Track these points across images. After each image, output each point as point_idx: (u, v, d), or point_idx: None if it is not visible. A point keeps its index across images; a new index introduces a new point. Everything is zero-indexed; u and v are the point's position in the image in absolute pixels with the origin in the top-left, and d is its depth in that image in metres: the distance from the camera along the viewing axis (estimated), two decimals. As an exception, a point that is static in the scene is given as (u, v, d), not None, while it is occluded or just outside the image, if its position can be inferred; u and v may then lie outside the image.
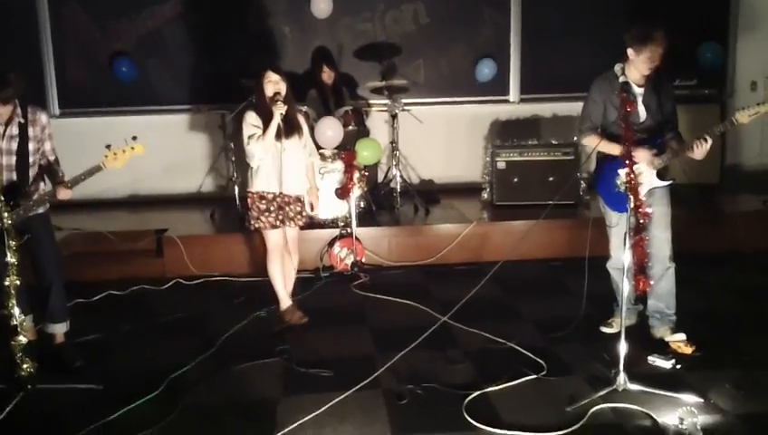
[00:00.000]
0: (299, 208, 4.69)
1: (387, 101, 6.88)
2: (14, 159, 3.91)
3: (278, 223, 4.61)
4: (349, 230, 6.00)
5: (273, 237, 4.68)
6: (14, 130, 3.91)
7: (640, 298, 4.31)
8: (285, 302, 4.82)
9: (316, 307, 5.02)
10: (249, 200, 4.64)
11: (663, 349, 4.09)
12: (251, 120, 4.52)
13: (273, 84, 4.47)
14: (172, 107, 7.75)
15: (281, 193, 4.57)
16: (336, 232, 6.09)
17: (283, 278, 4.79)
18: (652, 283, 3.92)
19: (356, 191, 6.01)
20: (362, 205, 6.31)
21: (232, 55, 7.61)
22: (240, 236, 6.10)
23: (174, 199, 7.72)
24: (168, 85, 7.73)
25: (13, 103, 3.87)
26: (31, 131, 3.96)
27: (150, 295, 5.56)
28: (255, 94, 4.61)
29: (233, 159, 7.03)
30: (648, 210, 3.76)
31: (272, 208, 4.58)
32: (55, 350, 4.21)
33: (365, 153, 6.27)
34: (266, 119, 4.45)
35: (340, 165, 6.10)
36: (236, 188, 6.88)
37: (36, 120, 3.99)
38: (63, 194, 3.90)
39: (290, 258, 4.84)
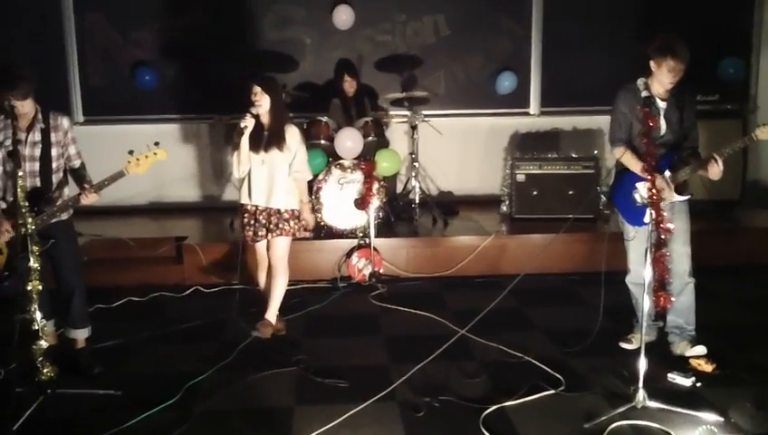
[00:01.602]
0: (277, 221, 4.59)
1: (407, 113, 6.90)
2: (37, 165, 3.95)
3: (258, 237, 4.63)
4: (367, 241, 6.01)
5: (257, 250, 4.79)
6: (37, 136, 3.96)
7: (660, 314, 4.28)
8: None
9: (333, 317, 5.04)
10: (239, 212, 4.74)
11: (683, 366, 4.04)
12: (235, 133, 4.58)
13: (253, 96, 4.51)
14: (192, 115, 7.81)
15: (258, 206, 4.59)
16: (354, 242, 6.10)
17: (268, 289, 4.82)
18: (673, 299, 3.88)
19: (375, 202, 6.02)
20: (381, 216, 6.31)
21: (252, 65, 7.66)
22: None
23: (194, 208, 7.78)
24: (189, 94, 7.79)
25: (32, 100, 3.89)
26: (53, 137, 3.99)
27: (169, 302, 5.60)
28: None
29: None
30: (670, 226, 3.73)
31: (252, 222, 4.62)
32: (76, 355, 4.25)
33: (384, 164, 6.29)
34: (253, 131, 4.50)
35: (359, 175, 6.12)
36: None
37: (58, 125, 4.02)
38: (89, 199, 3.92)
39: (274, 273, 4.73)
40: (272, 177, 4.58)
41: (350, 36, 7.67)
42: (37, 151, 3.96)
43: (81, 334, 4.25)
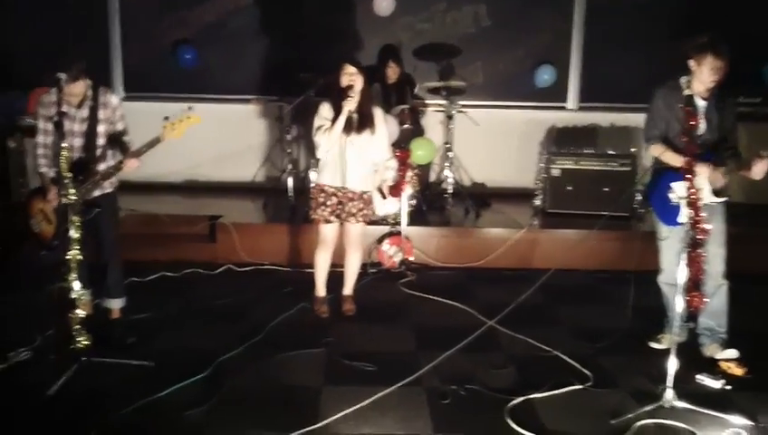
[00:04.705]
0: (361, 205, 4.66)
1: (443, 102, 6.89)
2: (83, 140, 4.05)
3: (332, 218, 4.64)
4: (398, 228, 6.03)
5: (323, 231, 4.73)
6: (85, 112, 4.04)
7: (692, 315, 4.24)
8: (319, 291, 4.93)
9: (362, 302, 5.06)
10: (313, 191, 4.70)
11: (712, 368, 4.02)
12: (323, 111, 4.57)
13: (348, 77, 4.49)
14: (231, 96, 7.86)
15: (343, 188, 4.59)
16: (386, 229, 6.12)
17: (326, 271, 4.86)
18: (706, 300, 3.84)
19: (408, 190, 6.03)
20: (413, 204, 6.32)
21: (292, 48, 7.72)
22: (291, 227, 6.18)
23: (228, 187, 7.86)
24: (228, 74, 7.86)
25: (85, 83, 3.98)
26: (102, 114, 4.08)
27: (202, 279, 5.68)
28: (335, 87, 4.59)
29: (288, 150, 7.12)
30: (707, 226, 3.69)
31: (329, 203, 4.61)
32: (111, 325, 4.36)
33: (419, 152, 6.29)
34: (339, 112, 4.48)
35: (393, 163, 6.11)
36: (290, 180, 6.96)
37: (107, 102, 4.11)
38: (129, 164, 3.99)
39: (351, 254, 4.89)
40: (360, 160, 4.60)
41: (389, 23, 7.68)
42: (85, 127, 4.05)
43: (115, 304, 4.37)
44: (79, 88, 3.96)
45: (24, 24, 7.50)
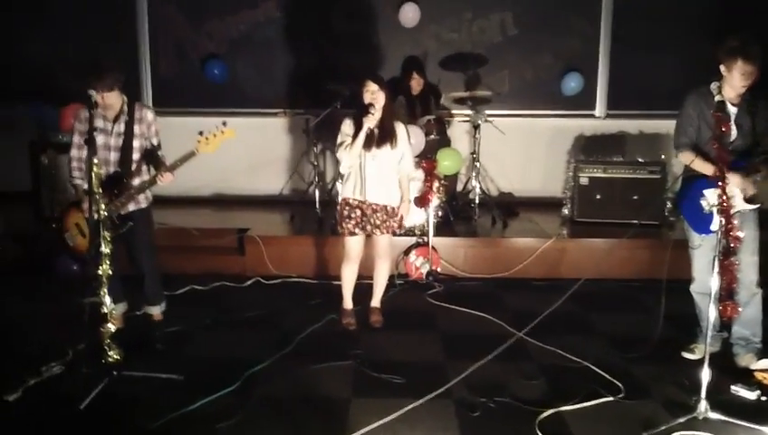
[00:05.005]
0: (385, 217, 4.67)
1: (470, 112, 6.87)
2: (119, 154, 4.12)
3: (357, 230, 4.66)
4: (425, 239, 6.02)
5: (348, 244, 4.75)
6: (121, 127, 4.11)
7: (725, 325, 4.17)
8: (346, 304, 4.95)
9: (390, 314, 5.05)
10: (339, 206, 4.74)
11: (747, 379, 3.94)
12: (345, 128, 4.61)
13: (370, 94, 4.52)
14: (259, 109, 7.94)
15: (366, 201, 4.61)
16: (413, 240, 6.12)
17: (353, 283, 4.89)
18: (740, 309, 3.77)
19: (434, 200, 6.02)
20: (440, 214, 6.31)
21: (319, 60, 7.78)
22: (318, 240, 6.20)
23: (256, 200, 7.92)
24: (256, 88, 7.94)
25: (119, 93, 4.06)
26: (137, 129, 4.15)
27: (231, 292, 5.71)
28: (358, 100, 4.62)
29: (315, 163, 7.16)
30: (740, 234, 3.62)
31: (353, 216, 4.64)
32: (151, 326, 4.51)
33: (446, 163, 6.28)
34: (360, 127, 4.51)
35: (420, 174, 6.12)
36: (317, 192, 6.99)
37: (143, 117, 4.18)
38: (165, 179, 4.04)
39: (379, 265, 4.91)
40: (381, 174, 4.62)
41: (415, 33, 7.71)
42: (120, 141, 4.12)
43: (155, 310, 4.52)
44: (113, 99, 4.02)
45: (56, 41, 7.67)
